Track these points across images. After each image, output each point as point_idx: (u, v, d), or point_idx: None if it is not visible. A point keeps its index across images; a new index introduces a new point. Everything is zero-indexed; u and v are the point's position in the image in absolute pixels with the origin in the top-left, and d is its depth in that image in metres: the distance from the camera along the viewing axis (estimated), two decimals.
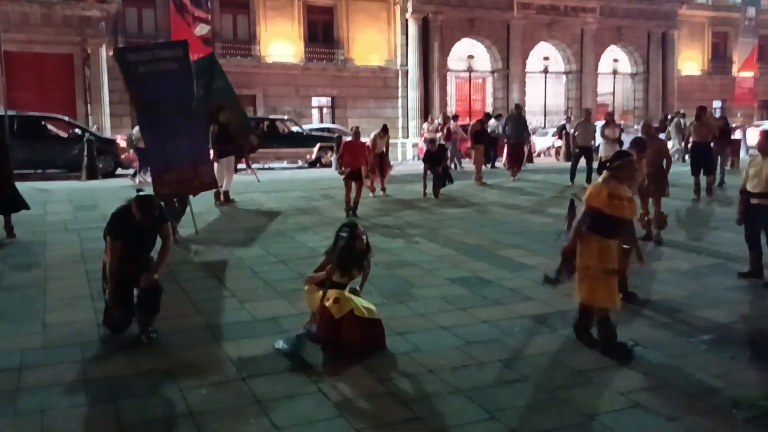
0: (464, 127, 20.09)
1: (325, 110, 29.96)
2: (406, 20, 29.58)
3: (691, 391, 4.36)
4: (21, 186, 10.53)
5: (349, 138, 13.24)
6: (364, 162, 11.28)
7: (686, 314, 5.87)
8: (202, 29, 26.52)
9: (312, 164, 21.40)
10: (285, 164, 22.08)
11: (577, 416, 4.05)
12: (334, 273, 4.99)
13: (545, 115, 33.33)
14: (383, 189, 13.36)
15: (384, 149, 13.40)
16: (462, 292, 6.51)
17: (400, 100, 30.24)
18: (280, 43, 28.20)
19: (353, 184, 10.99)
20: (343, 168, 11.25)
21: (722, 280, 7.02)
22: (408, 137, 28.83)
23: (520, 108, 18.00)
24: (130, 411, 4.08)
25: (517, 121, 16.99)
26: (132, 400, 4.21)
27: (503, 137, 17.83)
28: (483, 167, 16.24)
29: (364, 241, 5.13)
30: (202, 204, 11.72)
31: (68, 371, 4.63)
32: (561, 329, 5.48)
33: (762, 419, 4.05)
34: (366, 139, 13.67)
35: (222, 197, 11.99)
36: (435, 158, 13.18)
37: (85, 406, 4.17)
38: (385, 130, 13.54)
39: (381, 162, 13.26)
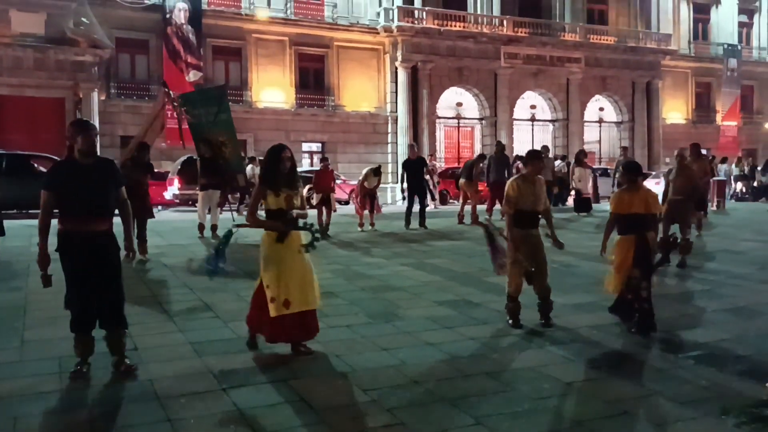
0: (452, 170, 20.07)
1: (315, 155, 30.15)
2: (396, 68, 30.09)
3: (680, 400, 4.29)
4: (7, 223, 10.47)
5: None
6: (332, 186, 12.94)
7: (675, 333, 5.84)
8: (194, 75, 27.01)
9: None
10: None
11: (565, 422, 3.99)
12: (262, 196, 5.15)
13: None
14: (372, 224, 13.36)
15: (375, 185, 13.44)
16: (449, 313, 6.45)
17: (389, 146, 30.50)
18: (272, 89, 28.55)
19: (323, 209, 12.61)
20: (314, 195, 13.23)
21: (709, 303, 7.01)
22: (398, 182, 28.95)
23: (502, 147, 16.87)
24: (107, 417, 3.97)
25: (499, 160, 15.90)
26: (108, 407, 4.11)
27: (485, 177, 17.15)
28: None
29: (290, 157, 5.39)
30: (188, 236, 11.70)
31: (44, 382, 4.52)
32: (549, 345, 5.43)
33: (752, 425, 3.98)
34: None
35: (211, 231, 11.90)
36: (413, 166, 13.68)
37: (60, 413, 4.08)
38: (377, 172, 13.55)
39: (371, 196, 13.31)
